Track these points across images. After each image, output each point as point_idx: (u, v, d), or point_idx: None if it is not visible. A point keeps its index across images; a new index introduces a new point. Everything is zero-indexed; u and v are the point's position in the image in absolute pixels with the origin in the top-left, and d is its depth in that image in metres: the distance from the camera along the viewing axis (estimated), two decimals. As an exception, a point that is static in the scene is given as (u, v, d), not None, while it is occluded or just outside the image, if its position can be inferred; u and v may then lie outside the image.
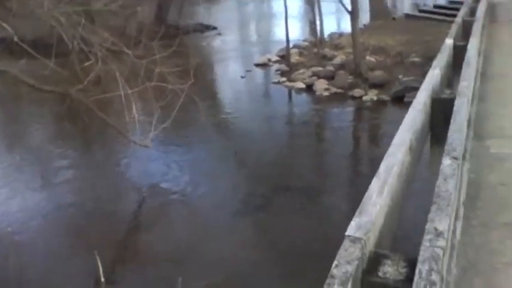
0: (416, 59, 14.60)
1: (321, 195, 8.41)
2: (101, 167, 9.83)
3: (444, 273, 1.31)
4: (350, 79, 14.05)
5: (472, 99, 3.80)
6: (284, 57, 17.49)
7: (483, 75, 5.73)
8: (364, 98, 13.15)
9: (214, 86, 17.01)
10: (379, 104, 12.85)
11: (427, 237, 1.29)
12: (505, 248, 2.56)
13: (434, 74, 3.09)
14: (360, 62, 14.38)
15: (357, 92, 13.39)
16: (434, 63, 3.44)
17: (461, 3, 9.66)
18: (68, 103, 8.26)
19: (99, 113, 8.40)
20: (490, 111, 4.71)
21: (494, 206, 3.00)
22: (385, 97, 12.98)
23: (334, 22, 24.89)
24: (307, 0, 24.92)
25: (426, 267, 1.18)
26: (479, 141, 3.90)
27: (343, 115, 12.67)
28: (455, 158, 1.80)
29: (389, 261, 1.31)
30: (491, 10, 10.77)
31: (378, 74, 13.91)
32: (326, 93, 13.76)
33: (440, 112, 2.80)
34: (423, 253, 1.23)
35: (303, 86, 14.58)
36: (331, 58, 16.19)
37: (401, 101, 12.45)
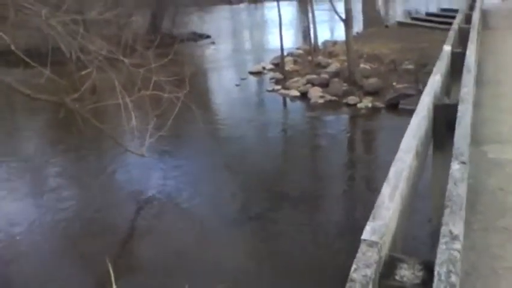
0: (409, 66, 14.71)
1: (316, 202, 8.41)
2: (94, 175, 9.78)
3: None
4: (344, 87, 14.11)
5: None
6: (278, 65, 17.55)
7: (478, 81, 5.78)
8: (358, 105, 13.22)
9: (209, 94, 17.03)
10: (374, 111, 12.92)
11: (443, 240, 1.30)
12: (506, 252, 2.58)
13: (435, 80, 3.11)
14: (354, 69, 14.47)
15: (352, 99, 13.45)
16: (434, 69, 3.47)
17: (453, 11, 9.79)
18: (63, 112, 8.22)
19: (94, 122, 8.37)
20: (486, 116, 4.74)
21: (494, 210, 3.02)
22: (380, 104, 13.06)
23: (328, 30, 25.06)
24: (301, 8, 25.09)
25: (444, 269, 1.19)
26: (477, 147, 3.92)
27: (338, 122, 12.72)
28: (464, 163, 1.82)
29: (405, 265, 1.32)
30: (483, 17, 10.91)
31: (372, 82, 13.99)
32: (321, 101, 13.81)
33: (442, 118, 2.82)
34: (440, 256, 1.24)
35: (297, 93, 14.64)
36: (325, 66, 16.25)
37: (396, 108, 12.56)
